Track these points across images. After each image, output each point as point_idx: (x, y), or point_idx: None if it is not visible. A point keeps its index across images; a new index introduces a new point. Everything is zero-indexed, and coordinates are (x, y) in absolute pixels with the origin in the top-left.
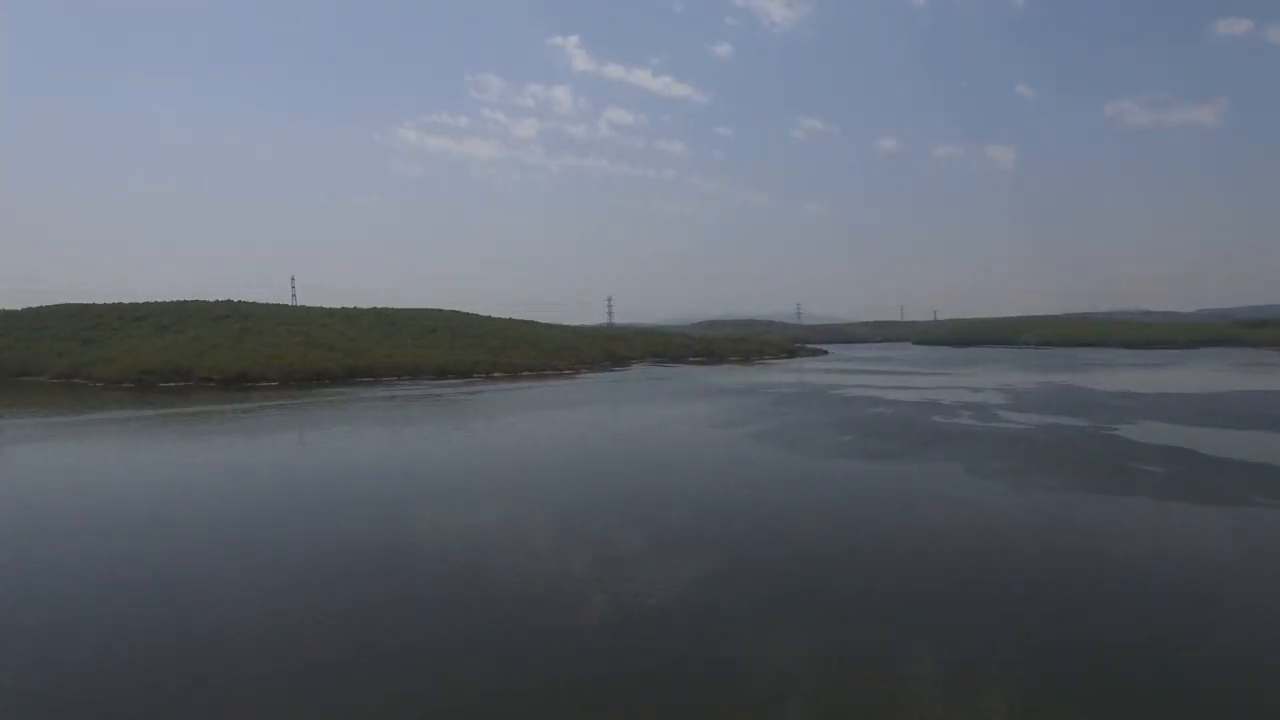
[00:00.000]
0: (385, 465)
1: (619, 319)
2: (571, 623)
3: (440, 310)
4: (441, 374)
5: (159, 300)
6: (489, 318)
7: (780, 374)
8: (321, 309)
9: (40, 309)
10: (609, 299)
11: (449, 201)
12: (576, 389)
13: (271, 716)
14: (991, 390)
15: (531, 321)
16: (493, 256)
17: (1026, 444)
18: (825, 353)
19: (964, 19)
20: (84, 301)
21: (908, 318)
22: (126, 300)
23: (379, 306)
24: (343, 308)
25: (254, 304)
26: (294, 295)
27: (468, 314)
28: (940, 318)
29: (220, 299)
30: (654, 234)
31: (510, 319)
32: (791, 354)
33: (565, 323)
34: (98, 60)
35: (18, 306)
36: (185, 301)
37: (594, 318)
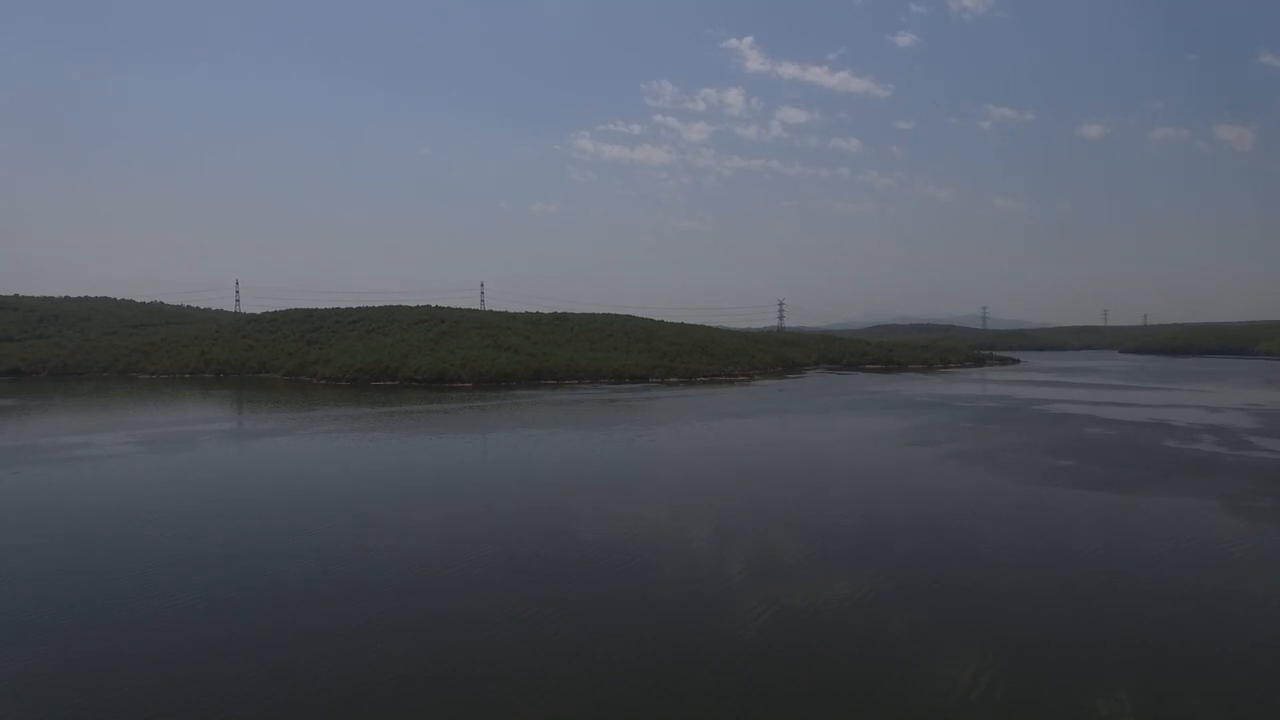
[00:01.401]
0: (585, 468)
1: (790, 322)
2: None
3: (615, 315)
4: (619, 378)
5: (369, 305)
6: (661, 322)
7: (970, 385)
8: (507, 313)
9: (275, 313)
10: (780, 302)
11: (621, 207)
12: (754, 397)
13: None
14: (1234, 410)
15: (703, 326)
16: (662, 260)
17: None
18: (1016, 361)
19: None
20: (307, 307)
21: (1112, 323)
22: (342, 305)
23: (558, 311)
24: (525, 312)
25: (449, 309)
26: (482, 299)
27: (641, 318)
28: (1152, 323)
29: (420, 304)
30: (826, 234)
31: (682, 324)
32: (979, 362)
33: (735, 326)
34: (279, 78)
35: (257, 310)
36: (391, 307)
37: (765, 321)
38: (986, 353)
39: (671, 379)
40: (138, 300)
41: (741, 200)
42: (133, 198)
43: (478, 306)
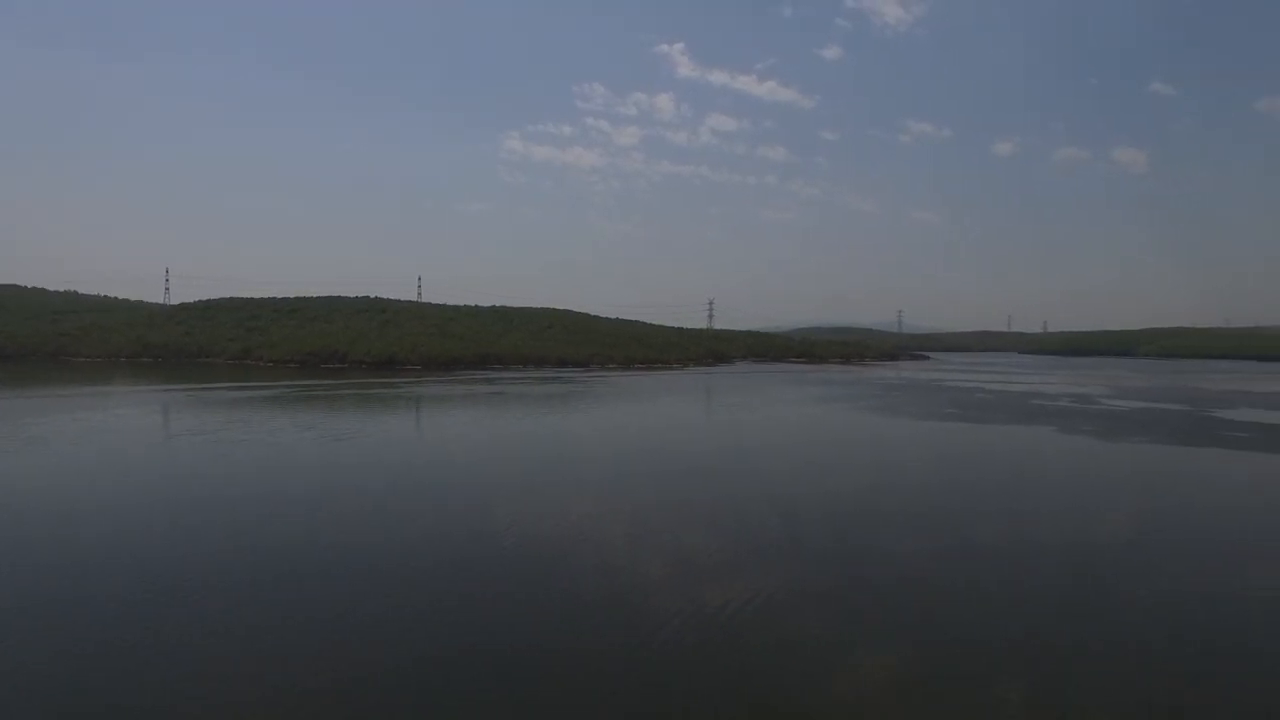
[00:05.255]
0: (582, 433)
1: (719, 324)
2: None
3: (553, 309)
4: (563, 364)
5: (307, 295)
6: (598, 317)
7: (884, 371)
8: (447, 306)
9: (209, 302)
10: (710, 303)
11: (553, 208)
12: (692, 378)
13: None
14: (1095, 385)
15: (638, 322)
16: (594, 261)
17: (1119, 418)
18: (928, 358)
19: (1096, 12)
20: (243, 295)
21: (1015, 329)
22: (279, 295)
23: (497, 305)
24: (465, 305)
25: (389, 300)
26: (420, 293)
27: (578, 313)
28: (1051, 330)
29: (360, 295)
30: (753, 240)
31: (618, 319)
32: (893, 357)
33: (667, 325)
34: (227, 77)
35: (191, 299)
36: (331, 297)
37: (695, 321)
38: (901, 350)
39: (611, 365)
40: (50, 289)
41: (671, 205)
42: (45, 184)
43: (415, 298)
